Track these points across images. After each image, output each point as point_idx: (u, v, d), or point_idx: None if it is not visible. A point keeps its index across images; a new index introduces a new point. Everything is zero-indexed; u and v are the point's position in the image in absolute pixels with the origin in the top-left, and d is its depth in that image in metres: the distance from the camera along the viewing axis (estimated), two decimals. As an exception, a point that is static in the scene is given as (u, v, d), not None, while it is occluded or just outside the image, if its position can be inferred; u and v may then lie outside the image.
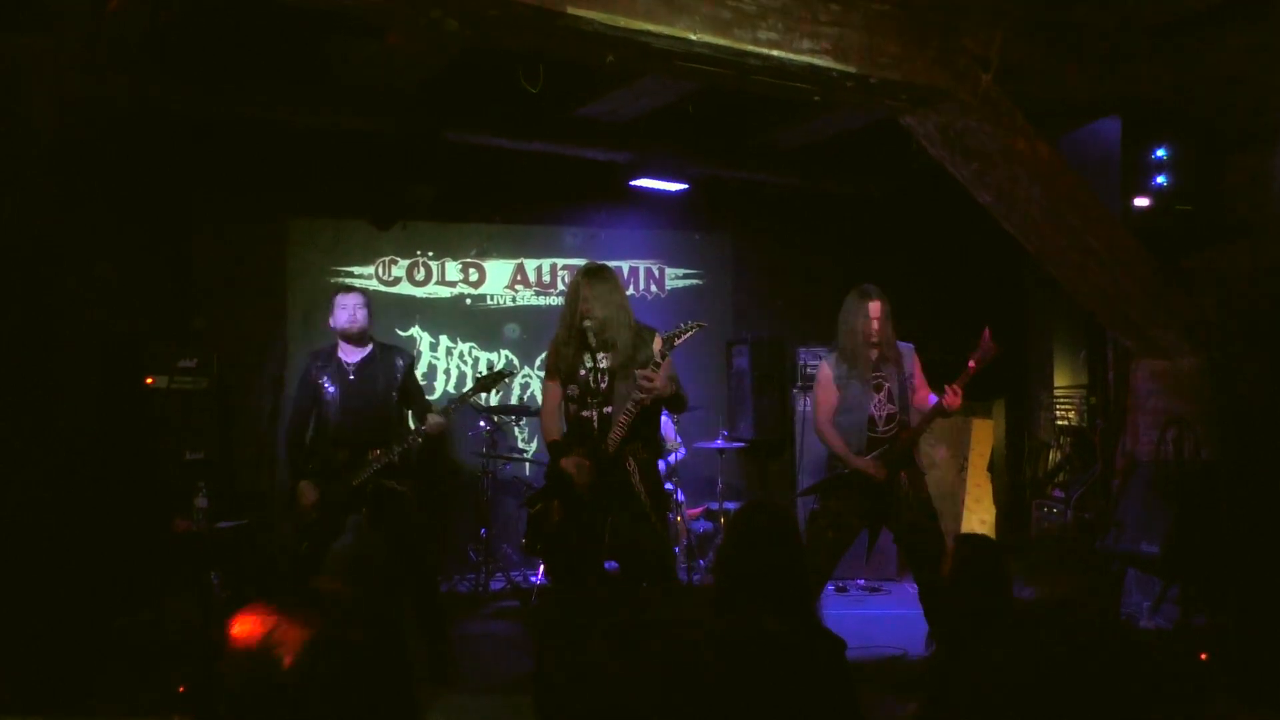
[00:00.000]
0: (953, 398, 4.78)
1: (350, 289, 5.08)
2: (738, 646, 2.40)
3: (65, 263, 5.56)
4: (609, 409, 4.43)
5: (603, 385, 4.46)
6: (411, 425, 5.01)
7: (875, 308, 4.87)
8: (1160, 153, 5.03)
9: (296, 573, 4.82)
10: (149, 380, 5.82)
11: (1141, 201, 5.03)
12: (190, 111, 5.86)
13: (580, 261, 6.96)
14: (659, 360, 4.37)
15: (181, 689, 3.83)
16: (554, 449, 4.58)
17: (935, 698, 3.03)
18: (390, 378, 4.92)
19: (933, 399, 4.96)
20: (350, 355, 4.93)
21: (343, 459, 4.78)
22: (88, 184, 5.71)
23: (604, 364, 4.47)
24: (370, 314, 4.96)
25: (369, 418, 4.85)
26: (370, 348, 4.97)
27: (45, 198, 4.83)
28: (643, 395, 4.32)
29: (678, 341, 4.39)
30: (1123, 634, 2.50)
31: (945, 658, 3.22)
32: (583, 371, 4.51)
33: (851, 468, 4.88)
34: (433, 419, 4.84)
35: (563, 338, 4.60)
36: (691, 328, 4.43)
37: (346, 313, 4.89)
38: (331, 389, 4.84)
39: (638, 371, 4.36)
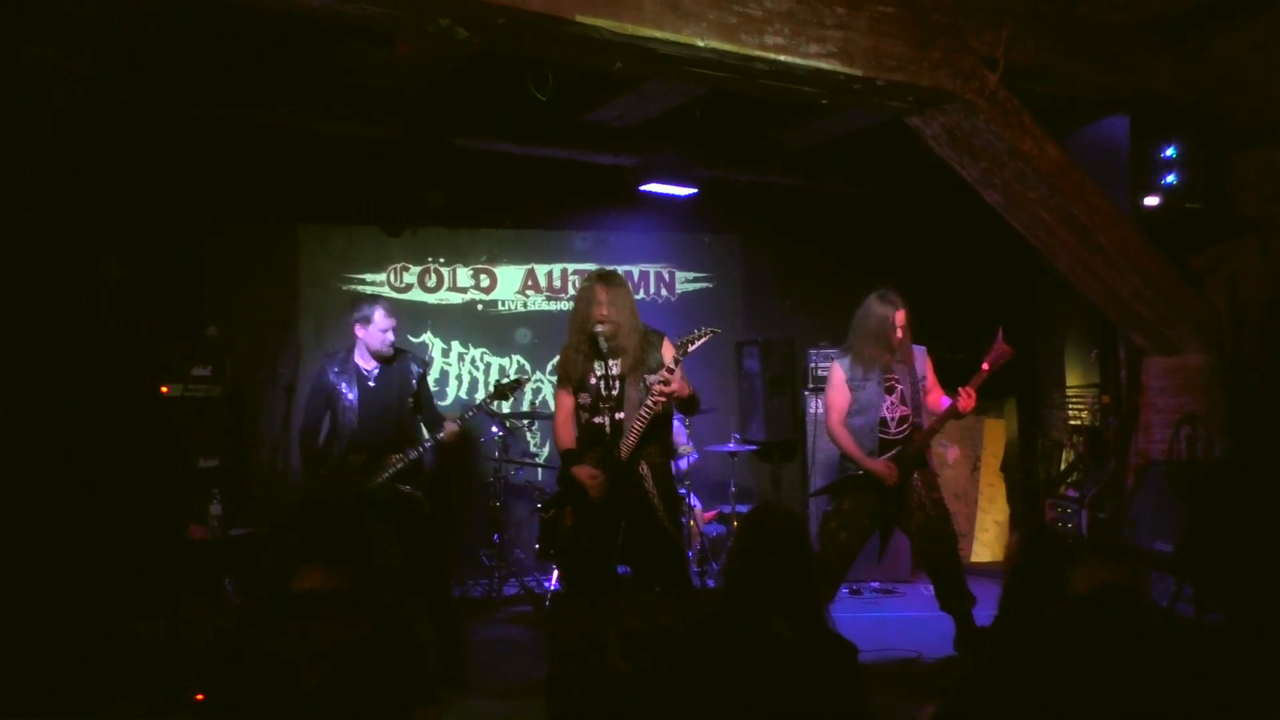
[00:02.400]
0: (966, 400, 4.79)
1: (392, 308, 5.00)
2: (748, 651, 2.40)
3: (76, 269, 5.60)
4: (620, 415, 4.45)
5: (614, 391, 4.48)
6: (423, 431, 5.03)
7: (900, 317, 4.89)
8: (1169, 150, 5.02)
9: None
10: (164, 389, 5.85)
11: (1151, 199, 5.01)
12: (200, 117, 5.90)
13: (590, 266, 6.99)
14: (672, 366, 4.38)
15: (199, 696, 3.85)
16: (566, 457, 4.60)
17: (957, 700, 3.03)
18: (406, 383, 4.95)
19: (945, 401, 4.96)
20: (368, 361, 4.97)
21: (359, 464, 4.81)
22: (98, 190, 5.76)
23: (615, 370, 4.48)
24: None
25: (386, 423, 4.88)
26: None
27: (56, 204, 4.87)
28: (658, 398, 4.34)
29: (691, 347, 4.39)
30: (1160, 625, 2.52)
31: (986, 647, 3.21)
32: (594, 379, 4.53)
33: (864, 469, 4.88)
34: (448, 427, 4.87)
35: (573, 344, 4.62)
36: (705, 333, 4.42)
37: (387, 337, 4.90)
38: (350, 394, 4.87)
39: (650, 376, 4.37)
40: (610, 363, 4.48)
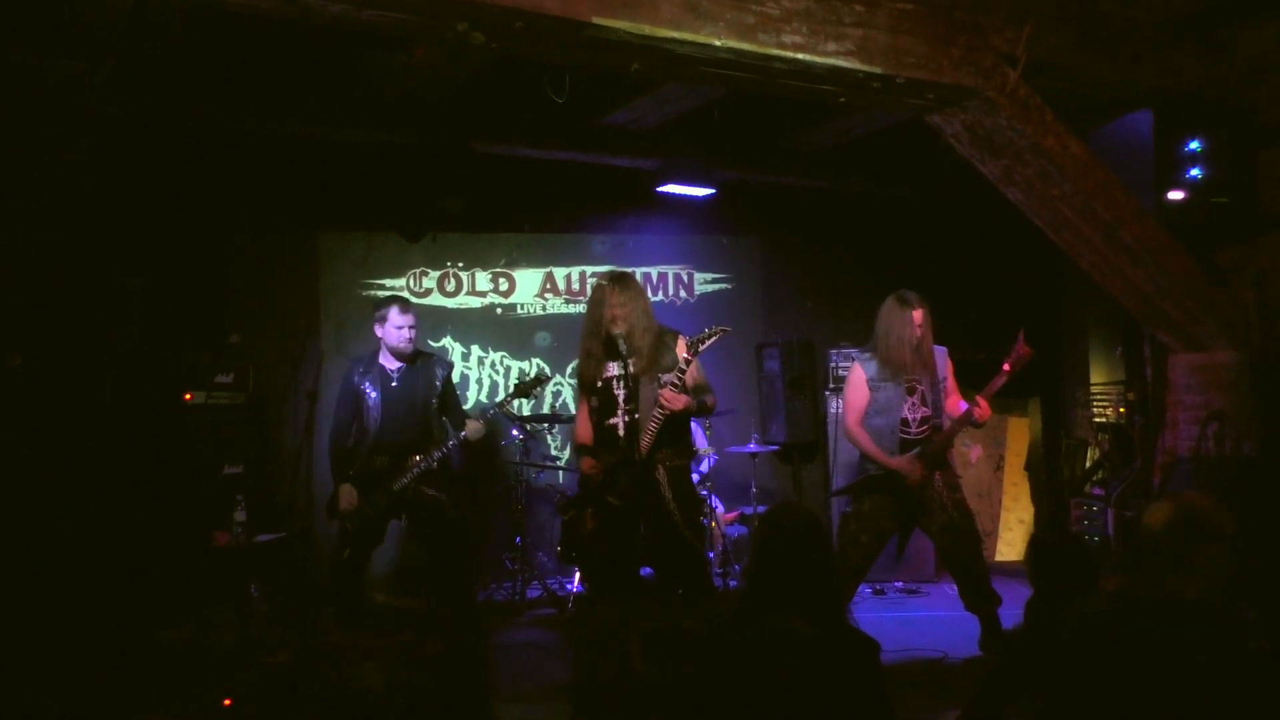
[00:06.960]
0: (982, 411, 4.78)
1: (407, 306, 5.06)
2: (769, 652, 2.39)
3: (99, 280, 5.64)
4: (636, 415, 4.46)
5: (629, 391, 4.49)
6: (451, 432, 5.06)
7: (918, 316, 4.87)
8: (1193, 145, 4.96)
9: (339, 579, 4.87)
10: (187, 396, 5.89)
11: (1176, 195, 4.96)
12: (220, 127, 5.94)
13: (609, 268, 6.98)
14: (684, 365, 4.40)
15: (227, 701, 3.88)
16: (581, 452, 4.69)
17: (977, 703, 3.00)
18: (431, 385, 4.98)
19: (963, 405, 4.93)
20: (392, 362, 5.02)
21: (383, 465, 4.84)
22: (120, 202, 5.80)
23: (630, 370, 4.49)
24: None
25: (410, 424, 4.91)
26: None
27: (79, 218, 4.90)
28: (668, 404, 4.38)
29: (702, 347, 4.43)
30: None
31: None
32: (608, 380, 4.56)
33: (886, 467, 4.86)
34: (472, 425, 4.90)
35: (586, 347, 4.65)
36: (716, 332, 4.46)
37: (403, 334, 4.95)
38: (374, 395, 4.91)
39: (661, 393, 4.39)
40: (627, 363, 4.49)
